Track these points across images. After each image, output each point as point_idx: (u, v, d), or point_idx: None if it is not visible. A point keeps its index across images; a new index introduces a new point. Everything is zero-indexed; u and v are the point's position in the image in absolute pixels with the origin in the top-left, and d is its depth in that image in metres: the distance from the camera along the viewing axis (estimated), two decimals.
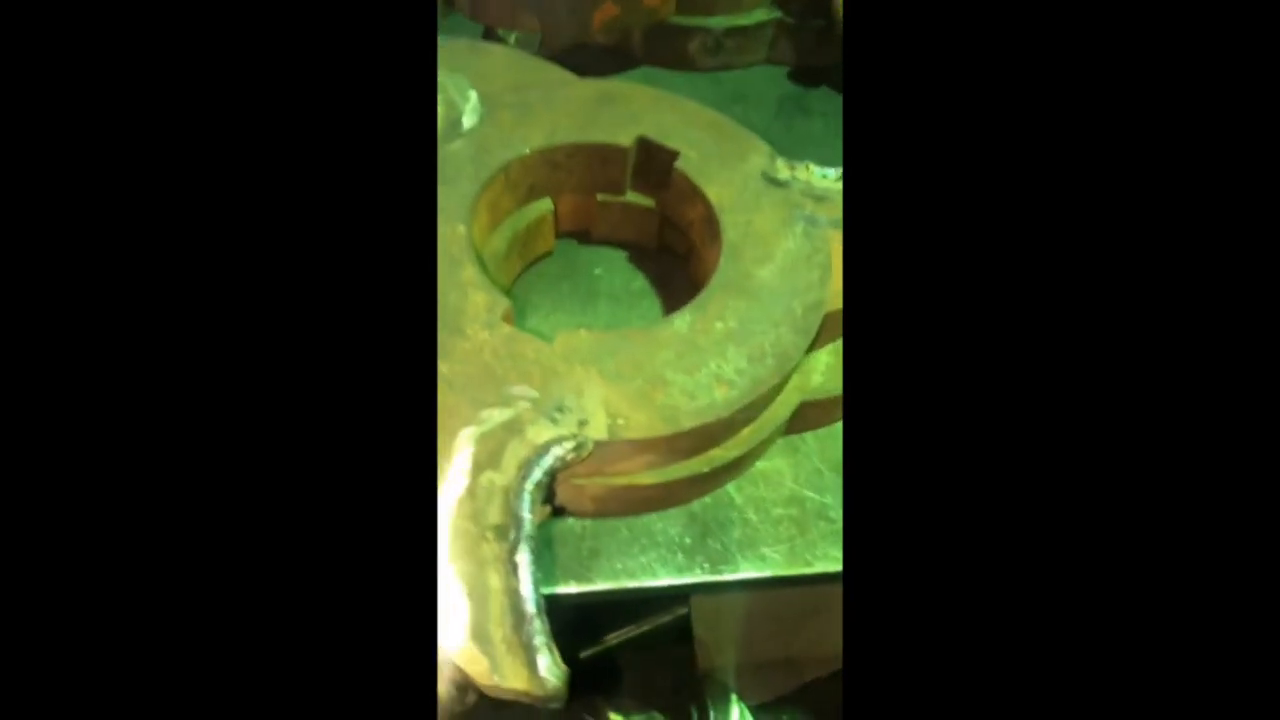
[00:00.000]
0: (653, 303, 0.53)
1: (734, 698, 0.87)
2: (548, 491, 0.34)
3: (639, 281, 0.54)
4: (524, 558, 0.31)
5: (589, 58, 0.69)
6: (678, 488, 0.40)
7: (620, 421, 0.36)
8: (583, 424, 0.35)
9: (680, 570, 0.41)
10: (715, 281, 0.42)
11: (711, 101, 0.69)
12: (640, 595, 0.41)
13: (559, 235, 0.53)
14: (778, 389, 0.40)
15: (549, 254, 0.53)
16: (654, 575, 0.41)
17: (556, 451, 0.34)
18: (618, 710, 0.83)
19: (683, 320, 0.40)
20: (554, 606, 0.38)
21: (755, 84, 0.70)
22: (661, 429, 0.36)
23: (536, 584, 0.31)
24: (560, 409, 0.35)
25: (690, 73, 0.69)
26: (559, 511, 0.40)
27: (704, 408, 0.37)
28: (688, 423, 0.36)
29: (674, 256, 0.54)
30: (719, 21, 0.66)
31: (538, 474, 0.33)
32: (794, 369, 0.40)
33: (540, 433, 0.35)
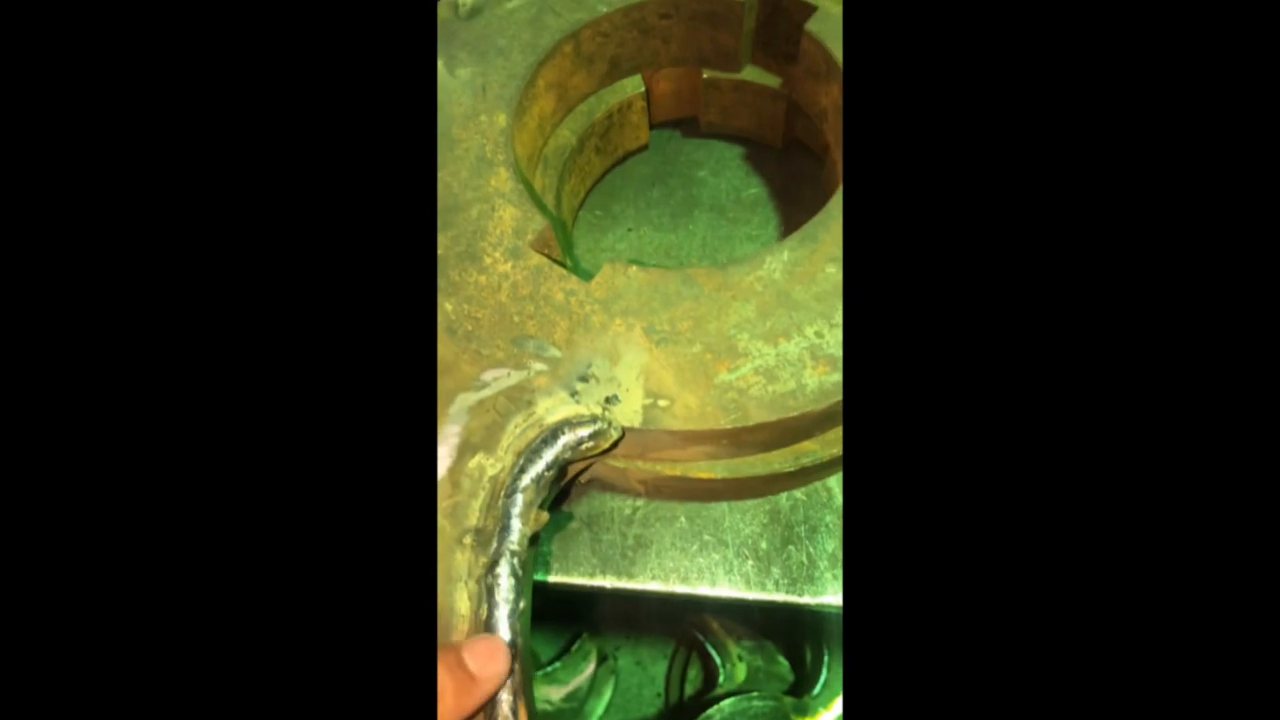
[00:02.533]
0: (768, 217, 0.41)
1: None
2: (551, 489, 0.26)
3: (754, 188, 0.41)
4: (505, 579, 0.23)
5: None
6: (753, 484, 0.30)
7: (662, 404, 0.26)
8: (610, 401, 0.26)
9: (748, 582, 0.32)
10: (836, 200, 0.29)
11: None
12: (691, 603, 0.33)
13: (655, 125, 0.42)
14: None
15: (644, 149, 0.42)
16: (712, 582, 0.32)
17: (567, 439, 0.25)
18: (730, 633, 0.79)
19: (777, 260, 0.28)
20: (587, 598, 0.31)
21: None
22: (718, 420, 0.25)
23: (517, 616, 0.23)
24: (584, 378, 0.26)
25: None
26: (599, 486, 0.32)
27: (784, 395, 0.26)
28: (758, 415, 0.25)
29: (808, 156, 0.41)
30: None
31: (539, 466, 0.25)
32: None
33: (553, 409, 0.26)
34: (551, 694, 0.72)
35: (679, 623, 0.77)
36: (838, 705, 0.71)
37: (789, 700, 0.72)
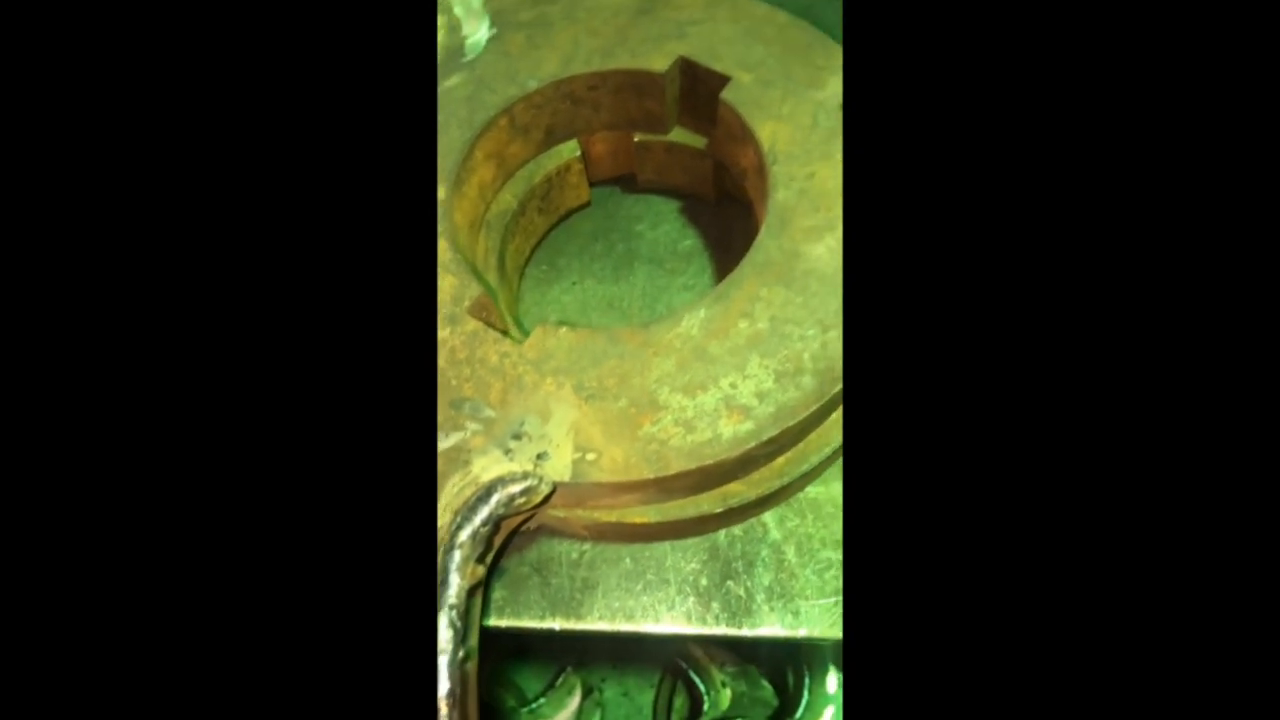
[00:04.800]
0: (703, 267, 0.43)
1: (831, 666, 0.81)
2: (487, 544, 0.27)
3: (689, 240, 0.44)
4: (442, 632, 0.25)
5: None
6: (686, 525, 0.32)
7: (590, 457, 0.28)
8: (541, 458, 0.28)
9: (689, 617, 0.34)
10: (750, 260, 0.32)
11: None
12: (638, 639, 0.34)
13: (596, 183, 0.44)
14: (821, 411, 0.30)
15: (586, 205, 0.45)
16: (656, 619, 0.34)
17: (499, 496, 0.27)
18: (713, 660, 0.80)
19: (694, 318, 0.30)
20: (538, 640, 0.32)
21: None
22: (641, 470, 0.28)
23: (457, 665, 0.25)
24: (517, 436, 0.28)
25: None
26: (546, 531, 0.34)
27: (701, 445, 0.28)
28: (678, 464, 0.27)
29: (737, 206, 0.43)
30: None
31: (475, 522, 0.27)
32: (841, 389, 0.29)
33: (488, 467, 0.28)
34: None
35: (665, 651, 0.78)
36: None
37: None
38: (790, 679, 0.77)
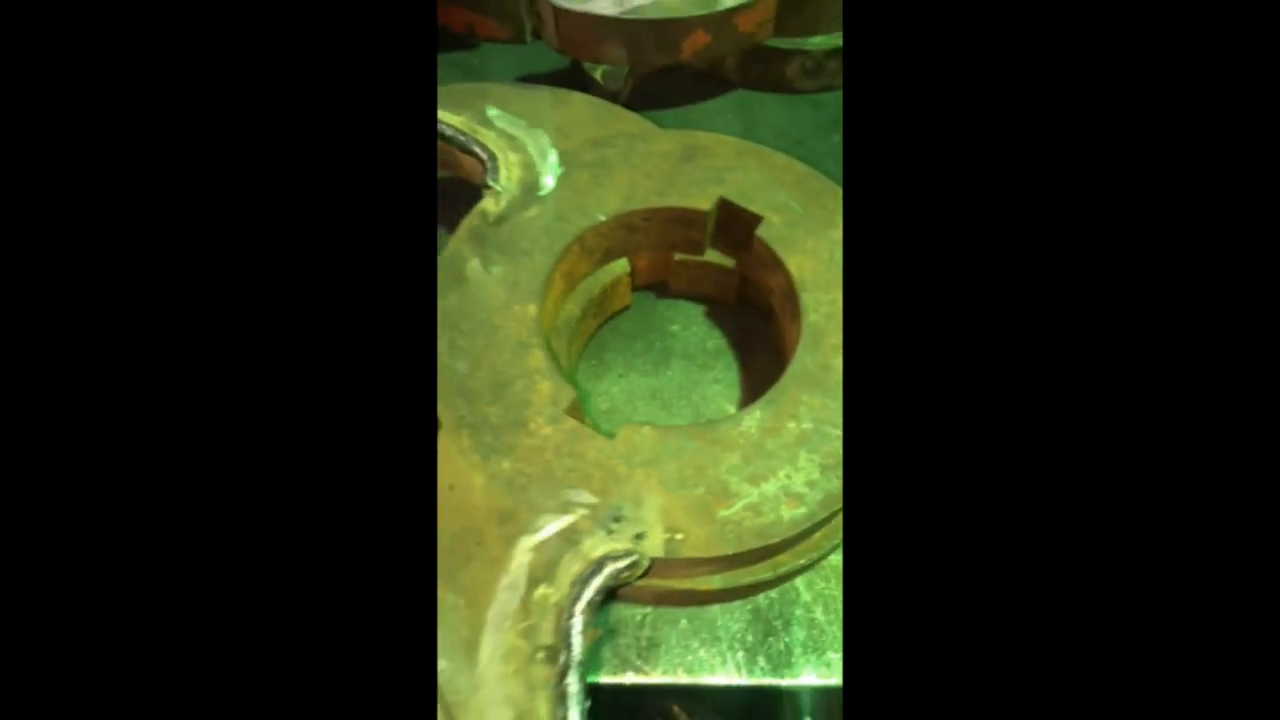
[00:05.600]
0: (729, 362, 0.51)
1: (807, 718, 0.86)
2: (600, 611, 0.33)
3: (715, 339, 0.52)
4: (573, 686, 0.31)
5: (679, 82, 0.66)
6: (740, 590, 0.39)
7: (679, 537, 0.34)
8: (639, 537, 0.34)
9: (739, 668, 0.40)
10: (790, 372, 0.39)
11: (809, 125, 0.65)
12: (697, 691, 0.40)
13: (635, 288, 0.52)
14: None
15: (626, 309, 0.52)
16: (712, 672, 0.40)
17: (610, 570, 0.33)
18: (689, 714, 0.84)
19: (752, 419, 0.38)
20: (607, 693, 0.38)
21: None
22: (720, 548, 0.34)
23: (585, 713, 0.31)
24: (617, 519, 0.35)
25: (788, 95, 0.65)
26: (617, 598, 0.40)
27: (768, 526, 0.35)
28: (750, 543, 0.34)
29: (755, 312, 0.52)
30: (820, 42, 0.61)
31: (590, 593, 0.33)
32: None
33: (596, 545, 0.34)
34: None
35: (642, 708, 0.82)
36: None
37: None
38: None
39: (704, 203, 0.45)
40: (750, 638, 0.41)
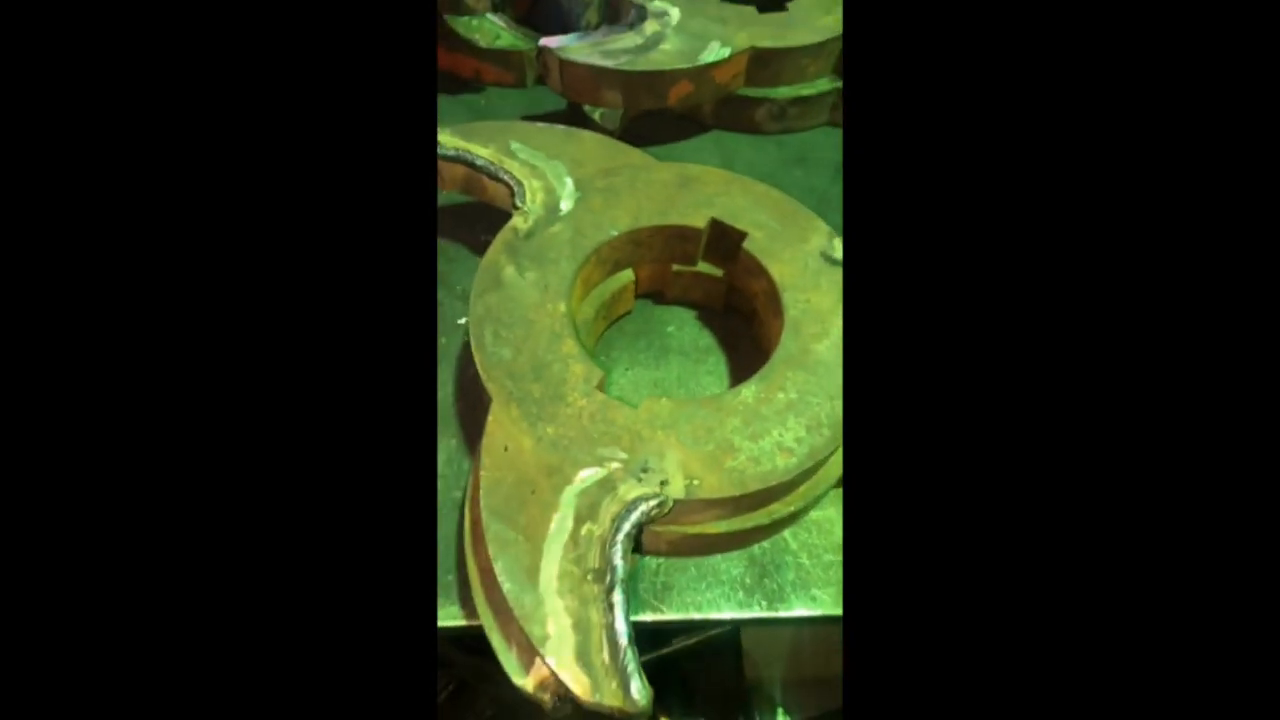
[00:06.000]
0: (718, 359, 0.59)
1: (779, 710, 0.93)
2: (635, 541, 0.41)
3: (706, 339, 0.60)
4: (618, 598, 0.38)
5: (665, 124, 0.76)
6: (741, 535, 0.46)
7: (695, 483, 0.42)
8: (664, 484, 0.42)
9: (740, 606, 0.48)
10: (777, 355, 0.48)
11: (775, 161, 0.75)
12: (704, 625, 0.47)
13: (637, 296, 0.60)
14: (832, 453, 0.46)
15: (629, 313, 0.60)
16: (718, 609, 0.48)
17: (643, 508, 0.41)
18: (668, 714, 0.90)
19: (749, 390, 0.46)
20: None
21: (815, 147, 0.76)
22: (730, 490, 0.42)
23: (628, 619, 0.38)
24: (645, 470, 0.42)
25: (756, 135, 0.75)
26: (639, 550, 0.47)
27: (767, 473, 0.43)
28: (753, 486, 0.42)
29: (739, 316, 0.61)
30: (784, 92, 0.72)
31: (628, 526, 0.40)
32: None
33: (629, 490, 0.41)
34: None
35: None
36: None
37: None
38: None
39: (699, 221, 0.54)
40: (749, 580, 0.48)
